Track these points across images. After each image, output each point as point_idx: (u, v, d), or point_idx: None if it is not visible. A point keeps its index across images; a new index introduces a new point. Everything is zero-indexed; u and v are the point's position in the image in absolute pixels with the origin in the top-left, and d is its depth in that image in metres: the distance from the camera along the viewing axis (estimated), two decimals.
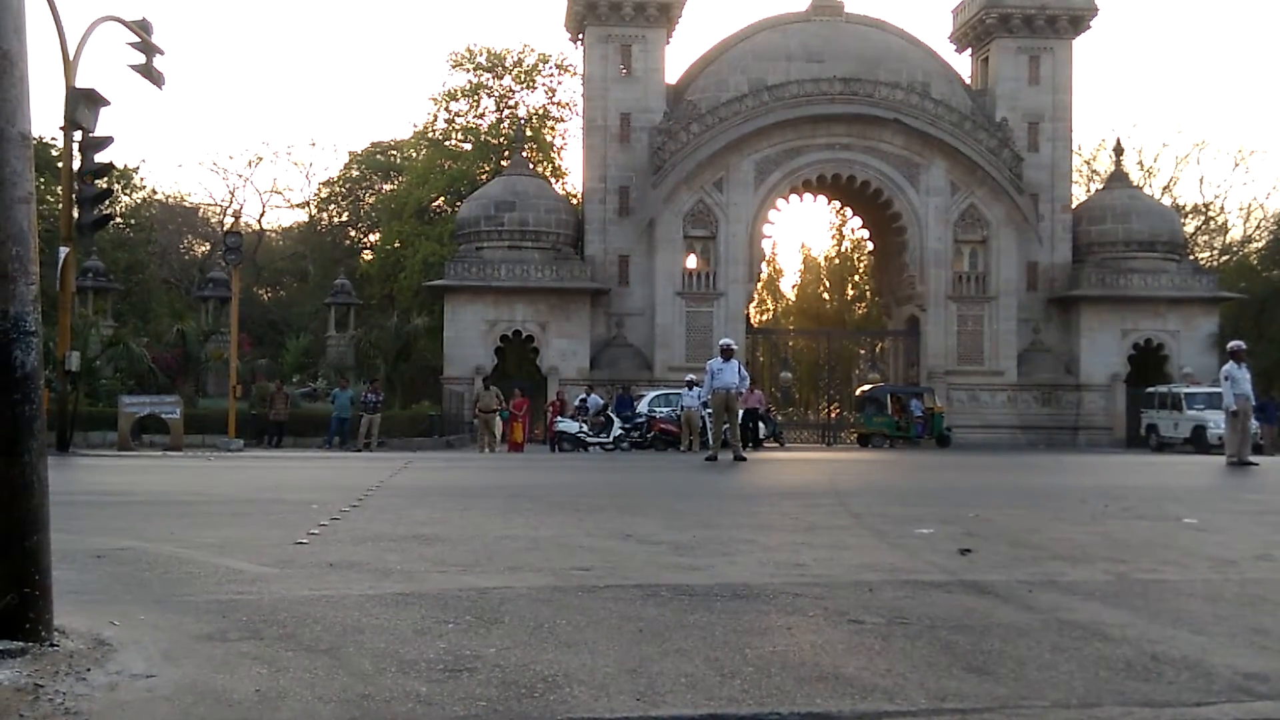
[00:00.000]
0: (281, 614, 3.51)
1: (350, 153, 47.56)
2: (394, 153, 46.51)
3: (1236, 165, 48.40)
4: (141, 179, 45.59)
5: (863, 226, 37.70)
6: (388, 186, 45.91)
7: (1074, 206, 34.81)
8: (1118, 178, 35.59)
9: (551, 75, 42.85)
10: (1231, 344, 14.73)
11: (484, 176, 38.69)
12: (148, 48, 17.59)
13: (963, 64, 36.32)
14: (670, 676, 2.83)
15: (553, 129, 43.15)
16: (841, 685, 2.76)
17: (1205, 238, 45.74)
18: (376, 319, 36.80)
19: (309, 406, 27.84)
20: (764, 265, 36.89)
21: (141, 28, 17.52)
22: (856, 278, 52.09)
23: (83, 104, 16.19)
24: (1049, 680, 2.84)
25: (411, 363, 33.72)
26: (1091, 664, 3.01)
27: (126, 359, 26.96)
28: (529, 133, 39.41)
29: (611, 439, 23.28)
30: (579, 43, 35.01)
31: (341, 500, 7.49)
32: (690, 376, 22.71)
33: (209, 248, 48.05)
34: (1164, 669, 2.96)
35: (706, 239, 32.30)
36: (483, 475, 12.12)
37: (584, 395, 26.83)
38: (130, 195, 43.91)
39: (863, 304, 50.63)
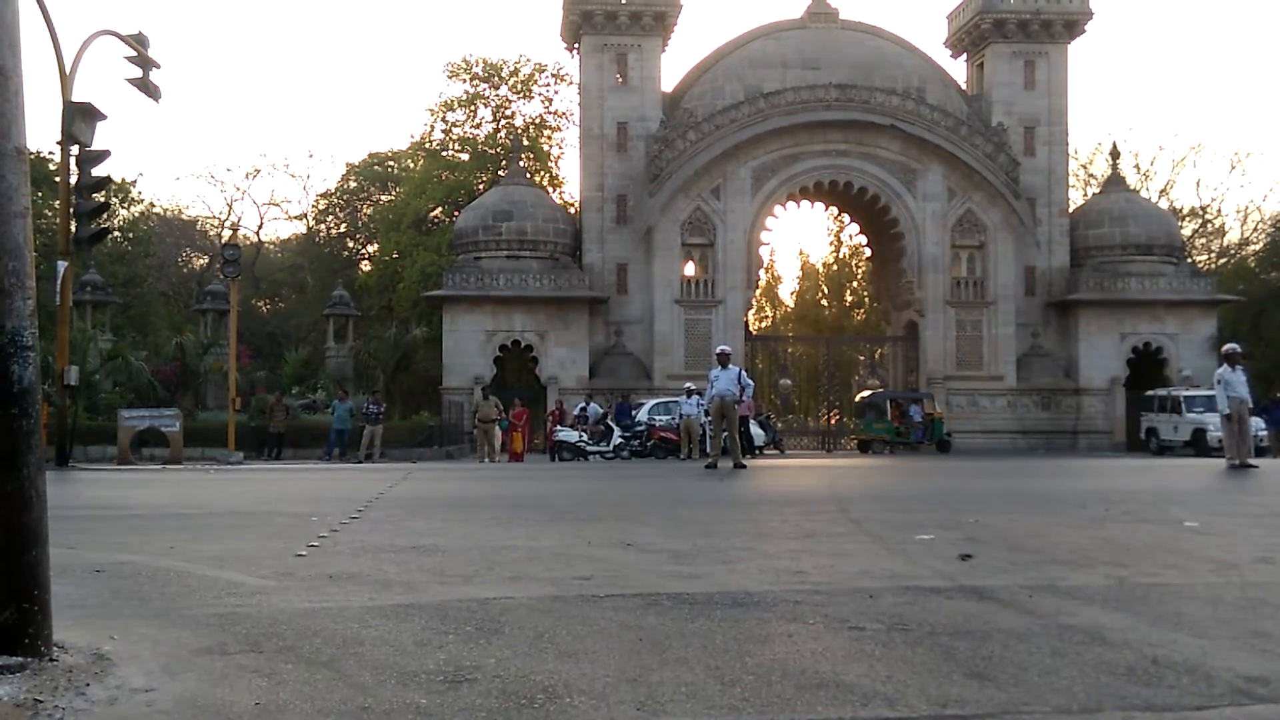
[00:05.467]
0: (281, 627, 3.51)
1: (348, 164, 47.64)
2: (391, 164, 46.57)
3: (1233, 168, 48.30)
4: (139, 192, 45.65)
5: (860, 232, 37.70)
6: (385, 197, 45.94)
7: (1071, 211, 34.84)
8: (1114, 181, 35.61)
9: (548, 85, 42.91)
10: (1226, 347, 14.76)
11: (481, 186, 38.72)
12: (144, 61, 17.63)
13: (958, 69, 36.42)
14: (671, 685, 2.82)
15: (549, 138, 43.20)
16: (842, 692, 2.76)
17: (1202, 241, 45.76)
18: (375, 330, 36.78)
19: (308, 418, 27.83)
20: (762, 272, 36.85)
21: (137, 41, 17.56)
22: (855, 284, 52.09)
23: (79, 118, 16.21)
24: (1050, 685, 2.84)
25: (410, 373, 33.72)
26: (1092, 668, 3.01)
27: (125, 372, 26.97)
28: (526, 142, 39.45)
29: (611, 448, 23.25)
30: (575, 52, 35.09)
31: (341, 512, 7.48)
32: (689, 384, 22.70)
33: (207, 260, 48.07)
34: (1165, 673, 2.96)
35: (704, 246, 32.30)
36: (483, 485, 12.10)
37: (583, 404, 26.80)
38: (128, 208, 43.94)
39: (861, 310, 50.62)
